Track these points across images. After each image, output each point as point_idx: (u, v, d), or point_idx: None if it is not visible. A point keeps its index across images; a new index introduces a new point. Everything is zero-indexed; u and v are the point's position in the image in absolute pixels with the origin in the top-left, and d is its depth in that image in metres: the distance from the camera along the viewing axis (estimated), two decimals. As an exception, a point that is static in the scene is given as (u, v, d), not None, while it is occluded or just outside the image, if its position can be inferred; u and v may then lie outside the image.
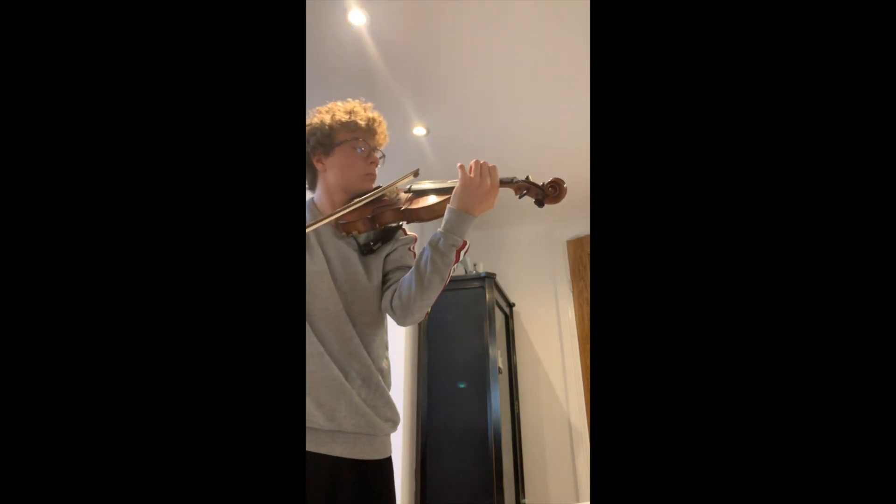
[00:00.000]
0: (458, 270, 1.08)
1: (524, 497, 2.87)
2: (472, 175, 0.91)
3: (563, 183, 0.97)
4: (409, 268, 1.01)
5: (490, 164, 0.92)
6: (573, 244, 3.35)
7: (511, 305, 3.26)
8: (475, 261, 3.05)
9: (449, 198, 0.95)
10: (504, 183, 0.98)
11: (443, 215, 0.95)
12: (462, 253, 0.94)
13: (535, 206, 0.99)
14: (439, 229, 0.92)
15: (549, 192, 0.98)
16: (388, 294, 0.99)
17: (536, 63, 1.95)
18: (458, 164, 0.94)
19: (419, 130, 2.35)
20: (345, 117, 1.03)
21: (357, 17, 1.70)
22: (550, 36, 1.82)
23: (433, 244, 0.91)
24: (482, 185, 0.90)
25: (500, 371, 2.65)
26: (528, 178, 0.99)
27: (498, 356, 2.65)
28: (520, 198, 1.01)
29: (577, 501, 2.80)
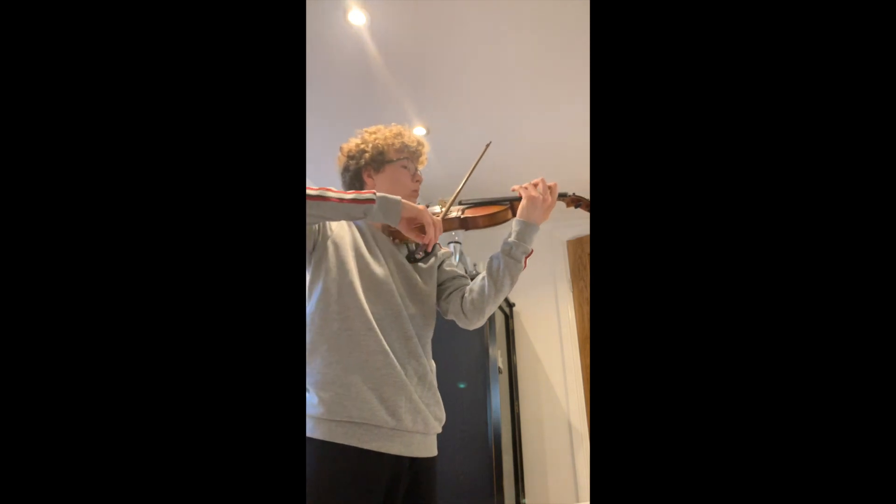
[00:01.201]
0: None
1: (524, 497, 2.87)
2: (535, 192, 1.05)
3: None
4: (463, 276, 1.17)
5: (550, 182, 1.07)
6: (573, 244, 3.34)
7: (511, 305, 3.26)
8: (475, 261, 3.05)
9: (502, 209, 1.10)
10: (559, 197, 1.12)
11: (498, 223, 1.11)
12: (527, 259, 1.06)
13: None
14: (510, 239, 1.04)
15: None
16: (455, 300, 1.12)
17: (536, 63, 1.95)
18: (513, 187, 1.09)
19: (419, 130, 2.35)
20: (396, 139, 1.14)
21: (357, 17, 1.70)
22: (551, 36, 1.81)
23: (506, 252, 1.04)
24: (546, 200, 1.05)
25: (500, 371, 2.65)
26: (574, 193, 1.15)
27: (498, 356, 2.64)
28: (575, 208, 1.17)
29: (577, 501, 2.80)
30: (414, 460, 0.97)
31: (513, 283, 1.05)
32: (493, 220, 1.10)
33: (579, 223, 3.32)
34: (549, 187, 1.07)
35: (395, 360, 0.97)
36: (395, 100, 2.13)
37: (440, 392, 1.10)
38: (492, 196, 1.14)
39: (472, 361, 2.59)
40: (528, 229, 1.05)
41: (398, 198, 0.93)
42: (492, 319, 2.67)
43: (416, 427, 0.97)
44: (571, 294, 3.26)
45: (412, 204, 0.94)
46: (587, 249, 3.23)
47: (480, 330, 2.64)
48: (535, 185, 1.06)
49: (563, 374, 3.10)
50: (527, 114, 2.27)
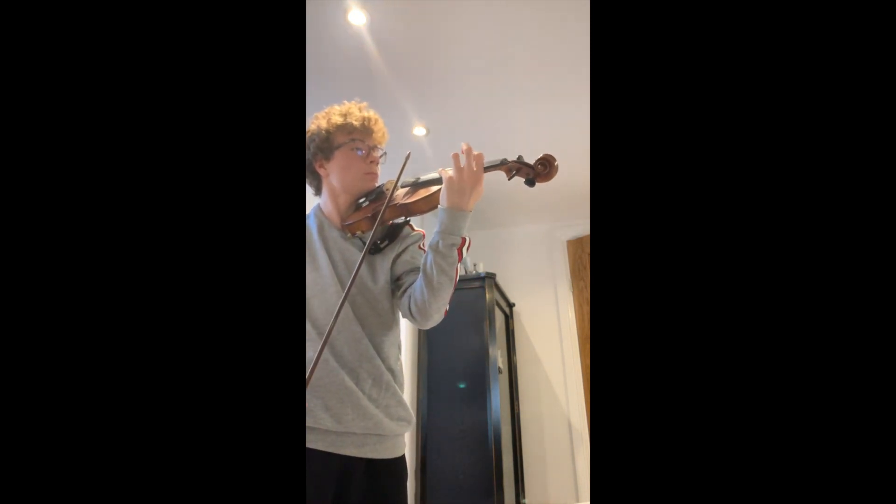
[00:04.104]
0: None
1: (524, 497, 2.87)
2: (452, 173, 0.90)
3: (554, 160, 0.96)
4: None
5: (475, 153, 0.90)
6: (573, 244, 3.34)
7: (511, 305, 3.26)
8: (475, 261, 3.05)
9: (440, 188, 0.95)
10: (493, 166, 0.97)
11: (436, 206, 0.96)
12: (464, 250, 0.93)
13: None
14: (435, 231, 0.92)
15: (539, 171, 0.96)
16: (405, 300, 0.99)
17: (536, 63, 1.95)
18: (439, 170, 0.94)
19: (419, 130, 2.35)
20: (340, 120, 1.04)
21: (357, 17, 1.70)
22: (550, 36, 1.82)
23: (433, 247, 0.91)
24: (467, 180, 0.89)
25: (500, 371, 2.65)
26: (519, 157, 0.97)
27: (498, 356, 2.65)
28: (509, 178, 0.99)
29: (577, 501, 2.80)
30: (371, 462, 0.93)
31: (451, 280, 0.92)
32: (430, 204, 0.97)
33: (579, 223, 3.32)
34: (475, 157, 0.89)
35: (338, 367, 0.92)
36: (395, 100, 2.13)
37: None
38: (434, 174, 1.01)
39: (472, 361, 2.59)
40: (452, 217, 0.90)
41: None
42: (492, 319, 2.67)
43: (369, 431, 0.93)
44: (571, 294, 3.26)
45: None
46: (587, 249, 3.23)
47: (481, 330, 2.64)
48: (461, 155, 0.90)
49: (563, 374, 3.11)
50: (527, 113, 2.27)
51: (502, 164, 0.97)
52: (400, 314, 1.05)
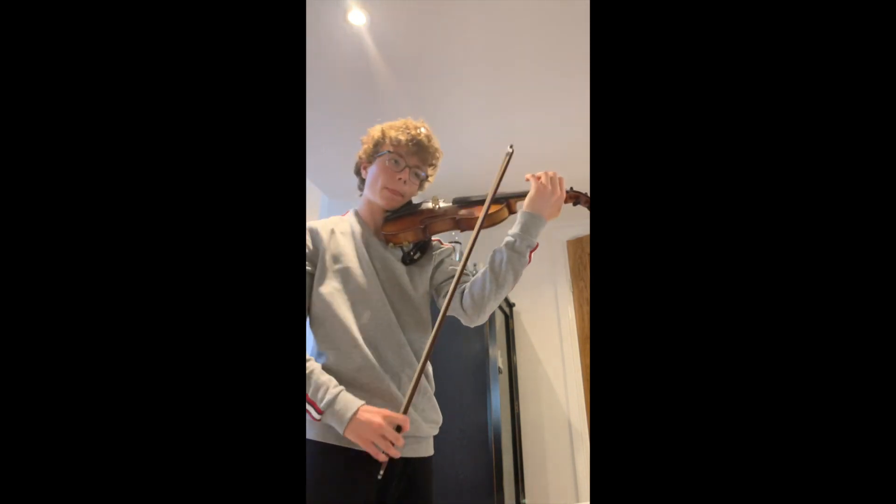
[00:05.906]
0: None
1: (524, 497, 2.87)
2: (544, 183, 1.00)
3: None
4: (464, 274, 1.06)
5: (559, 176, 1.01)
6: (573, 244, 3.34)
7: (511, 305, 3.26)
8: (475, 261, 3.05)
9: (499, 208, 1.05)
10: None
11: (496, 223, 1.06)
12: (532, 254, 1.00)
13: None
14: (513, 231, 0.99)
15: (589, 199, 1.10)
16: (455, 298, 1.03)
17: (536, 62, 1.95)
18: (526, 176, 1.04)
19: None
20: (391, 132, 1.08)
21: (357, 17, 1.70)
22: (551, 36, 1.82)
23: (510, 245, 0.98)
24: (554, 193, 1.00)
25: (500, 371, 2.65)
26: (571, 188, 1.09)
27: (498, 356, 2.64)
28: (574, 205, 1.11)
29: (577, 501, 2.80)
30: (408, 461, 0.97)
31: (516, 278, 0.99)
32: (490, 220, 1.04)
33: (579, 223, 3.31)
34: (559, 179, 1.02)
35: (383, 374, 0.95)
36: (395, 100, 2.13)
37: (440, 391, 1.08)
38: (485, 193, 1.06)
39: (472, 361, 2.59)
40: (534, 221, 0.98)
41: (351, 410, 0.84)
42: (492, 319, 2.67)
43: (409, 433, 0.96)
44: (571, 294, 3.26)
45: (366, 419, 0.84)
46: (587, 249, 3.23)
47: (480, 330, 2.64)
48: (549, 176, 1.01)
49: (563, 374, 3.10)
50: (527, 113, 2.27)
51: (567, 194, 1.08)
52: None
